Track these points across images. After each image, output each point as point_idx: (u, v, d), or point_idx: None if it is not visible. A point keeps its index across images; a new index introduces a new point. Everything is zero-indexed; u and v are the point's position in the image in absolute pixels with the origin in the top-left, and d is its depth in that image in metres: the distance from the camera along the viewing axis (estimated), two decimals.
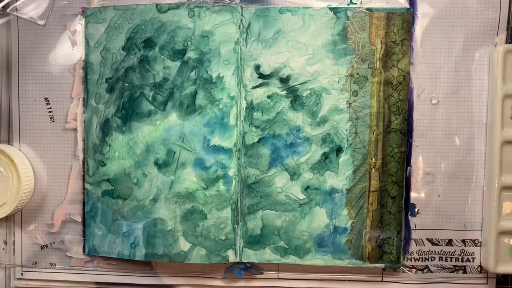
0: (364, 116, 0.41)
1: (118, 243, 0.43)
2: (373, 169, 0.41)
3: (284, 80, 0.41)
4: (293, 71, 0.41)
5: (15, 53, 0.44)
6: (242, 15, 0.41)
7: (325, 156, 0.41)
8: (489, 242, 0.41)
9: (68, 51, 0.44)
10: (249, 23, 0.41)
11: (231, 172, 0.41)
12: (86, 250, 0.44)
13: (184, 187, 0.42)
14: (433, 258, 0.43)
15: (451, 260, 0.43)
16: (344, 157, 0.41)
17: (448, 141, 0.42)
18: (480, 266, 0.43)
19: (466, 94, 0.42)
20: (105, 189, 0.43)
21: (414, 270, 0.43)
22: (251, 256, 0.42)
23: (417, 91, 0.42)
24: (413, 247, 0.43)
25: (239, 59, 0.41)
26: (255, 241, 0.42)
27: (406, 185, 0.42)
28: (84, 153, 0.44)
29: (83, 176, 0.44)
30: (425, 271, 0.43)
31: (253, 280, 0.44)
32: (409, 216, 0.42)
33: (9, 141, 0.45)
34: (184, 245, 0.42)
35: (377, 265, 0.42)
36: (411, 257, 0.43)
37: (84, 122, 0.43)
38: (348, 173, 0.41)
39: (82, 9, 0.43)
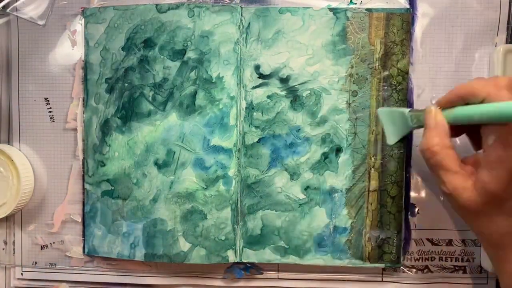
0: (364, 116, 0.41)
1: (118, 243, 0.43)
2: (372, 169, 0.41)
3: (284, 80, 0.41)
4: (293, 71, 0.41)
5: (15, 53, 0.44)
6: (242, 15, 0.41)
7: (325, 156, 0.41)
8: None
9: (68, 51, 0.44)
10: (249, 23, 0.41)
11: (231, 172, 0.41)
12: (86, 250, 0.44)
13: (184, 187, 0.42)
14: (433, 258, 0.43)
15: (451, 260, 0.43)
16: (343, 157, 0.41)
17: None
18: (480, 266, 0.42)
19: None
20: (104, 189, 0.43)
21: (414, 270, 0.43)
22: (251, 256, 0.42)
23: (417, 91, 0.42)
24: (413, 247, 0.43)
25: (239, 59, 0.41)
26: (255, 241, 0.42)
27: (406, 185, 0.42)
28: (84, 153, 0.44)
29: (83, 176, 0.44)
30: (425, 271, 0.43)
31: (253, 280, 0.44)
32: (409, 216, 0.42)
33: (9, 141, 0.45)
34: (184, 245, 0.42)
35: (377, 265, 0.42)
36: (411, 257, 0.43)
37: (84, 122, 0.43)
38: (348, 173, 0.41)
39: (82, 9, 0.43)
